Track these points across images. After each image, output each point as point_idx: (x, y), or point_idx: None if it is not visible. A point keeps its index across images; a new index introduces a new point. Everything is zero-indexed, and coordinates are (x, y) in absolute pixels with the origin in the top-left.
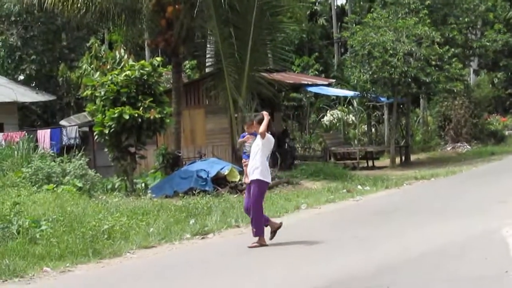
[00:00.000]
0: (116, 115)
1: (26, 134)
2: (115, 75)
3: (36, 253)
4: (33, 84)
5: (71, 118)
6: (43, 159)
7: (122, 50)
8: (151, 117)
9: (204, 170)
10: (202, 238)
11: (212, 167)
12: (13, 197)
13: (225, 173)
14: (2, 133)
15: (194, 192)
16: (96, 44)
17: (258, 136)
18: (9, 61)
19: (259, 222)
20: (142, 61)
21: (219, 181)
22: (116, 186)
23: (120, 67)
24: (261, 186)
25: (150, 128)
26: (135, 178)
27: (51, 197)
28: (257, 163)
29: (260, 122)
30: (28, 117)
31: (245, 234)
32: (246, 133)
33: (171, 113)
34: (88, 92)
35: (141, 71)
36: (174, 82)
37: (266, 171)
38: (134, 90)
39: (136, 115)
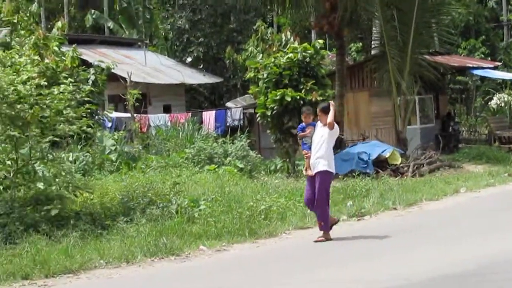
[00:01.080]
0: (278, 97)
1: (191, 115)
2: (278, 58)
3: (193, 232)
4: (201, 66)
5: (237, 100)
6: (206, 140)
7: (289, 33)
8: (313, 99)
9: (365, 153)
10: (358, 220)
11: (374, 150)
12: (174, 177)
13: (387, 156)
14: (168, 114)
15: (354, 174)
16: (263, 27)
17: (321, 126)
18: (177, 44)
19: (326, 215)
20: (305, 44)
21: (380, 163)
22: (278, 168)
23: (283, 50)
24: (327, 178)
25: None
26: (297, 160)
27: (212, 178)
28: (323, 154)
29: (324, 111)
30: (195, 99)
31: (402, 217)
32: (304, 124)
33: (333, 95)
34: (251, 74)
35: (303, 53)
36: (338, 64)
37: (331, 162)
38: (297, 73)
39: (298, 97)
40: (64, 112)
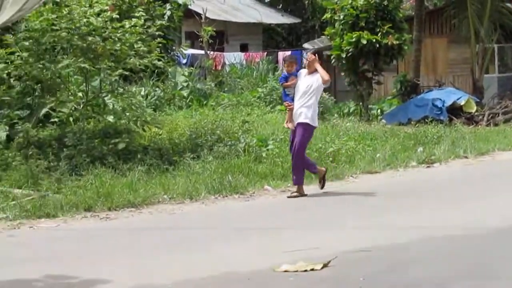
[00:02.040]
0: (353, 39)
1: (267, 55)
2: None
3: (259, 172)
4: (279, 6)
5: (315, 41)
6: (278, 80)
7: None
8: (389, 43)
9: (440, 99)
10: (428, 166)
11: (449, 97)
12: (244, 116)
13: (462, 104)
14: (244, 53)
15: (427, 120)
16: None
17: (307, 75)
18: None
19: (299, 170)
20: None
21: (455, 111)
22: (351, 111)
23: None
24: (308, 131)
25: (388, 54)
26: (371, 104)
27: (282, 118)
28: (309, 106)
29: (310, 63)
30: (273, 39)
31: (473, 166)
32: (287, 73)
33: (410, 40)
34: (328, 15)
35: None
36: (417, 9)
37: (315, 115)
38: (373, 15)
39: (374, 40)
40: (135, 46)
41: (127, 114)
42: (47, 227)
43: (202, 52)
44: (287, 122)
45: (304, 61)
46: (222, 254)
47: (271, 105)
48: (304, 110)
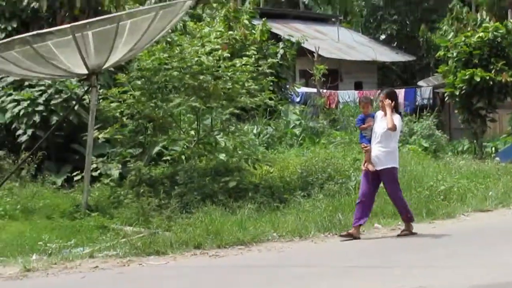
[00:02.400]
0: (467, 76)
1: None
2: (469, 37)
3: None
4: (394, 44)
5: (429, 79)
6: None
7: (484, 13)
8: (503, 80)
9: None
10: None
11: None
12: (355, 153)
13: None
14: (357, 91)
15: None
16: (458, 6)
17: (383, 116)
18: (371, 21)
19: (406, 207)
20: (496, 23)
21: None
22: (465, 149)
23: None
24: (394, 174)
25: (502, 91)
26: (485, 141)
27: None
28: (389, 148)
29: (388, 96)
30: (387, 77)
31: None
32: (363, 115)
33: None
34: (441, 53)
35: (494, 33)
36: None
37: (396, 155)
38: (487, 52)
39: (488, 77)
40: (246, 84)
41: (239, 152)
42: (157, 265)
43: (315, 90)
44: (365, 163)
45: (379, 102)
46: None
47: None
48: (384, 153)
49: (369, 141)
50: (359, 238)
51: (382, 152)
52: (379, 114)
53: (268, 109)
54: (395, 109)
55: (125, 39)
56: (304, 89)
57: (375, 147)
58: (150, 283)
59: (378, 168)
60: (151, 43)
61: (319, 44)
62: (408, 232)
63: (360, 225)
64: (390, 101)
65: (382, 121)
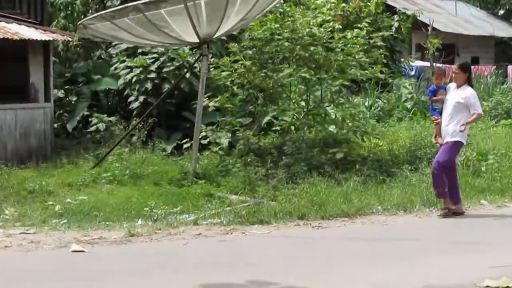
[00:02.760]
0: None
1: (496, 68)
2: None
3: (476, 186)
4: None
5: None
6: (505, 94)
7: None
8: None
9: None
10: None
11: None
12: None
13: None
14: (473, 66)
15: None
16: None
17: (455, 88)
18: None
19: (444, 183)
20: None
21: None
22: None
23: None
24: (457, 149)
25: None
26: None
27: (506, 132)
28: (458, 122)
29: (462, 69)
30: (505, 53)
31: None
32: (435, 86)
33: None
34: None
35: None
36: None
37: (466, 132)
38: None
39: None
40: (357, 56)
41: (348, 124)
42: (260, 234)
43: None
44: (435, 137)
45: (452, 74)
46: (426, 267)
47: (495, 119)
48: (452, 127)
49: (440, 113)
50: (463, 213)
51: (451, 125)
52: (452, 86)
53: (380, 82)
54: (469, 81)
55: (237, 9)
56: (419, 63)
57: (445, 120)
58: (252, 252)
59: (445, 140)
60: (262, 13)
61: (436, 18)
62: (447, 212)
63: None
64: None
65: (454, 94)
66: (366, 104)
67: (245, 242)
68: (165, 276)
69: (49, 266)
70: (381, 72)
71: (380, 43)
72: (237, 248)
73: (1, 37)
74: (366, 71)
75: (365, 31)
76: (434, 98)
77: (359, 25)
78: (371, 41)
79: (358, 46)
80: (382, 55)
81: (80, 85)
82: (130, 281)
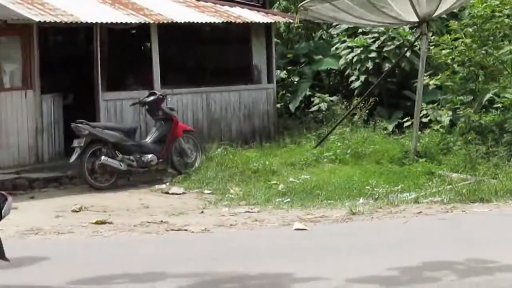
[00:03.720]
0: None
1: None
2: None
3: None
4: None
5: None
6: None
7: None
8: None
9: None
10: None
11: None
12: None
13: None
14: None
15: None
16: None
17: None
18: None
19: None
20: None
21: None
22: None
23: None
24: None
25: None
26: None
27: None
28: None
29: None
30: None
31: None
32: None
33: None
34: None
35: None
36: None
37: None
38: None
39: None
40: None
41: None
42: (480, 212)
43: None
44: None
45: None
46: None
47: None
48: None
49: None
50: None
51: None
52: None
53: None
54: None
55: None
56: None
57: None
58: (471, 230)
59: None
60: None
61: None
62: None
63: None
64: None
65: None
66: None
67: (465, 220)
68: (385, 253)
69: (272, 244)
70: None
71: None
72: (457, 226)
73: (225, 21)
74: None
75: None
76: None
77: None
78: None
79: None
80: None
81: (302, 65)
82: (350, 259)
